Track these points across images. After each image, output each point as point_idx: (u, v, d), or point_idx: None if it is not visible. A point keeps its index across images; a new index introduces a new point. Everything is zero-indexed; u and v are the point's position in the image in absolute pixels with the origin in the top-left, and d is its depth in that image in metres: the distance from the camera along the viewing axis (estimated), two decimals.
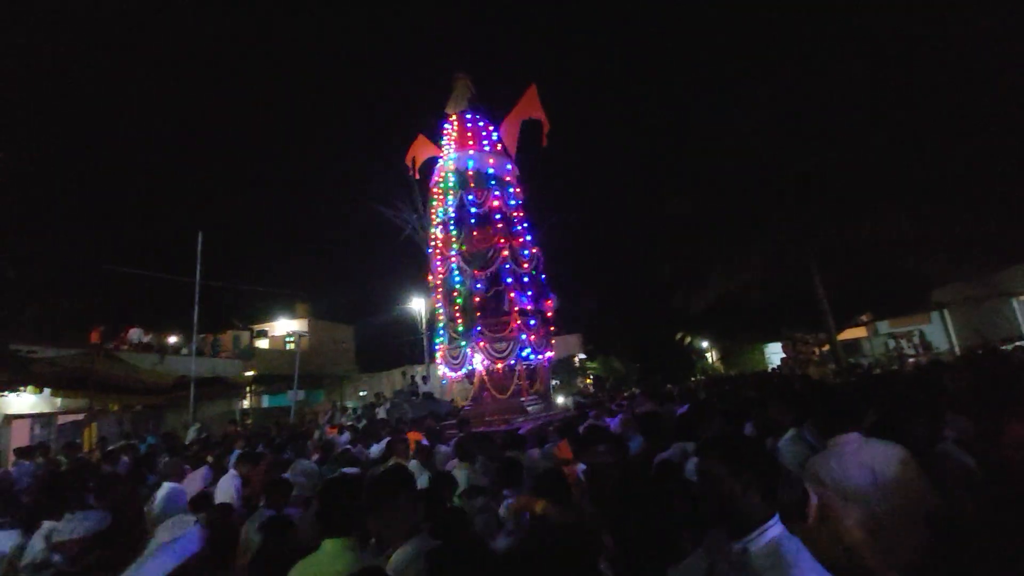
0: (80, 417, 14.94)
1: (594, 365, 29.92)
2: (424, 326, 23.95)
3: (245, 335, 24.25)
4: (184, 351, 17.89)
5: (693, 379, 22.94)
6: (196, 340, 15.09)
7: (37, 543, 3.26)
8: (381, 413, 14.73)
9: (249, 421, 15.54)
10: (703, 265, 17.00)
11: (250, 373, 21.95)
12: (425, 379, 19.40)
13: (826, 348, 16.42)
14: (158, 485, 4.62)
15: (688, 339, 31.03)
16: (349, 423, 12.08)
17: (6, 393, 13.36)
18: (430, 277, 11.18)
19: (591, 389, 22.98)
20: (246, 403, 22.04)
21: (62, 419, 15.42)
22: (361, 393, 24.52)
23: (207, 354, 19.84)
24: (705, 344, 32.44)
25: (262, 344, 25.30)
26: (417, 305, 24.31)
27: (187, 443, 10.22)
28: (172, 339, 20.16)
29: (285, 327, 26.60)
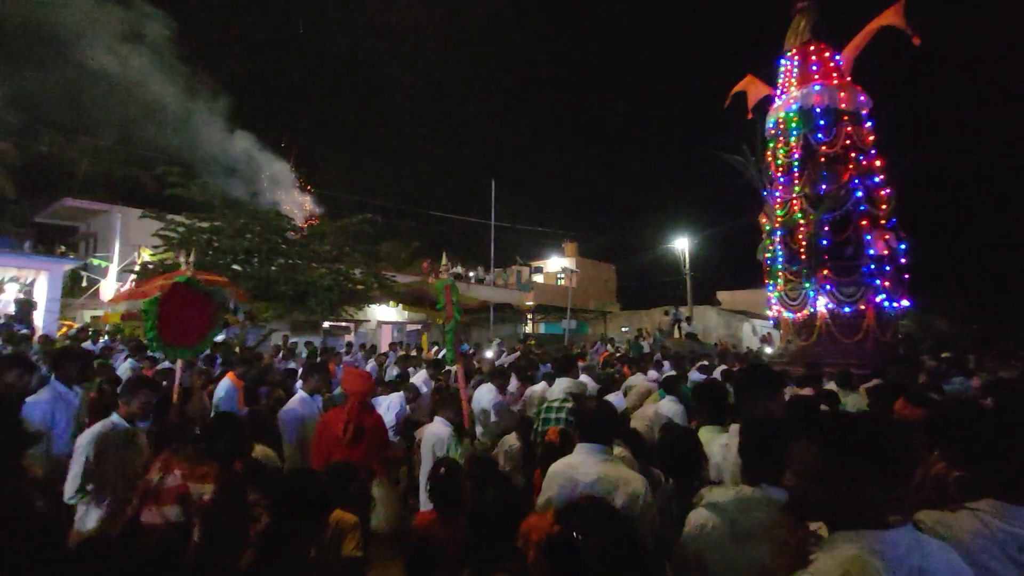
0: (419, 326, 20.09)
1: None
2: (687, 267, 23.44)
3: (525, 270, 27.93)
4: (483, 281, 21.75)
5: None
6: (493, 272, 18.15)
7: None
8: (645, 347, 15.48)
9: (532, 342, 18.24)
10: None
11: (529, 303, 25.43)
12: (688, 320, 19.26)
13: None
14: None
15: None
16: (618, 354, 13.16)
17: (380, 305, 18.73)
18: (764, 218, 11.01)
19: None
20: (527, 328, 25.74)
21: (409, 327, 20.90)
22: (623, 328, 25.82)
23: (499, 285, 23.72)
24: None
25: (537, 279, 28.80)
26: (680, 245, 23.82)
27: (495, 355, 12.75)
28: (471, 273, 24.89)
29: (557, 264, 29.52)
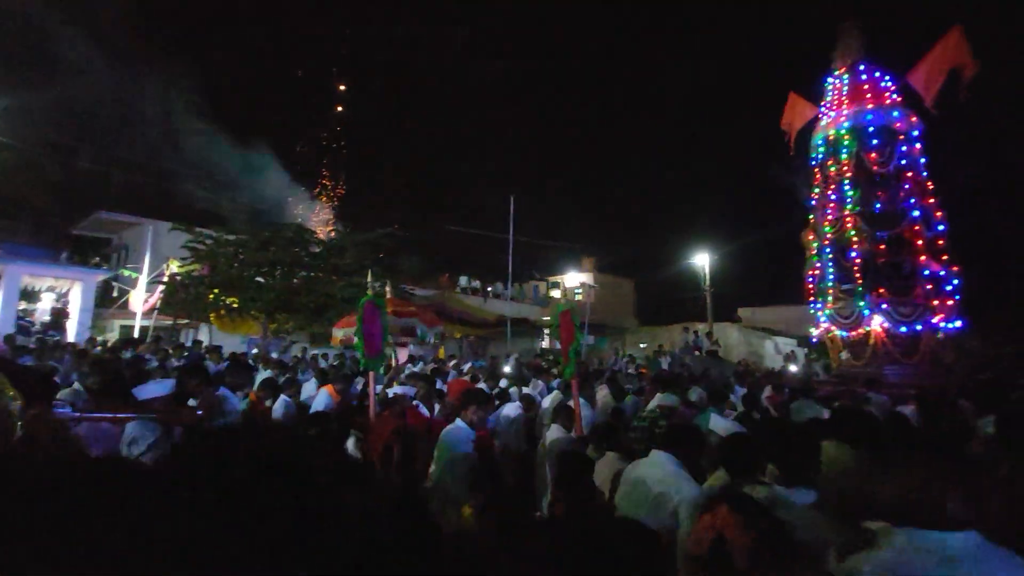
0: (436, 339, 20.19)
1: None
2: (707, 283, 23.17)
3: (543, 285, 27.93)
4: (501, 296, 21.80)
5: None
6: (511, 287, 18.20)
7: None
8: (663, 364, 15.29)
9: (551, 357, 18.14)
10: None
11: (546, 318, 25.35)
12: (709, 336, 18.99)
13: None
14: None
15: None
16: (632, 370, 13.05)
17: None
18: (811, 235, 11.04)
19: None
20: (544, 344, 25.65)
21: (401, 338, 20.99)
22: (641, 345, 25.53)
23: (516, 300, 23.74)
24: None
25: (555, 294, 28.75)
26: (700, 261, 23.59)
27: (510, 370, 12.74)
28: (488, 288, 24.98)
29: (574, 279, 29.46)
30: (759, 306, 26.08)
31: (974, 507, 1.21)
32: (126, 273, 17.21)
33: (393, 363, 9.69)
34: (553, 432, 4.15)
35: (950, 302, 9.51)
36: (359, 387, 6.80)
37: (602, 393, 6.32)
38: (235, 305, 14.02)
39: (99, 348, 10.41)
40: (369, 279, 4.81)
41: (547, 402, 5.88)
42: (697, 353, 17.48)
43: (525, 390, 7.16)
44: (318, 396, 5.75)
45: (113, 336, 15.08)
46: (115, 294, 16.99)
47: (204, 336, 15.32)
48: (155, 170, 20.71)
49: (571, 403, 4.40)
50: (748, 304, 26.69)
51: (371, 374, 4.66)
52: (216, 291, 14.00)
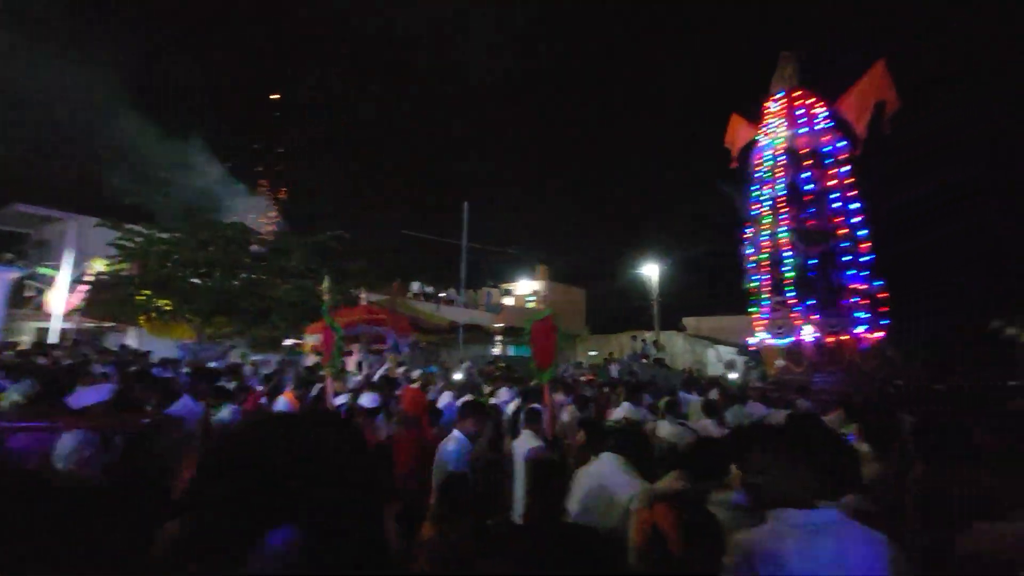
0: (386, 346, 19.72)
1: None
2: (656, 292, 23.86)
3: (495, 292, 27.91)
4: (453, 302, 21.59)
5: (1012, 383, 17.36)
6: (464, 294, 18.06)
7: None
8: (613, 372, 15.57)
9: (502, 364, 18.11)
10: None
11: (499, 325, 25.33)
12: (656, 344, 19.53)
13: None
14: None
15: (1009, 329, 23.51)
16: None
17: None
18: (750, 250, 11.59)
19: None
20: (496, 350, 25.60)
21: (373, 346, 20.48)
22: (591, 352, 25.94)
23: (468, 306, 23.58)
24: None
25: (508, 301, 28.80)
26: (649, 272, 24.28)
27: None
28: (441, 294, 24.71)
29: (527, 286, 29.63)
30: (703, 315, 27.12)
31: (829, 489, 1.57)
32: (43, 272, 15.83)
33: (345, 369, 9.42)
34: (525, 439, 4.11)
35: (871, 314, 10.21)
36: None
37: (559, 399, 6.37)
38: (167, 308, 13.17)
39: (11, 352, 9.50)
40: (325, 285, 4.68)
41: (511, 408, 5.87)
42: (645, 361, 17.92)
43: (493, 400, 7.05)
44: (277, 402, 5.68)
45: (27, 339, 13.82)
46: (29, 294, 15.59)
47: (132, 340, 14.30)
48: (79, 161, 19.23)
49: (538, 407, 4.41)
50: (693, 313, 27.70)
51: (329, 380, 4.65)
52: (147, 292, 13.10)
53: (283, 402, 5.58)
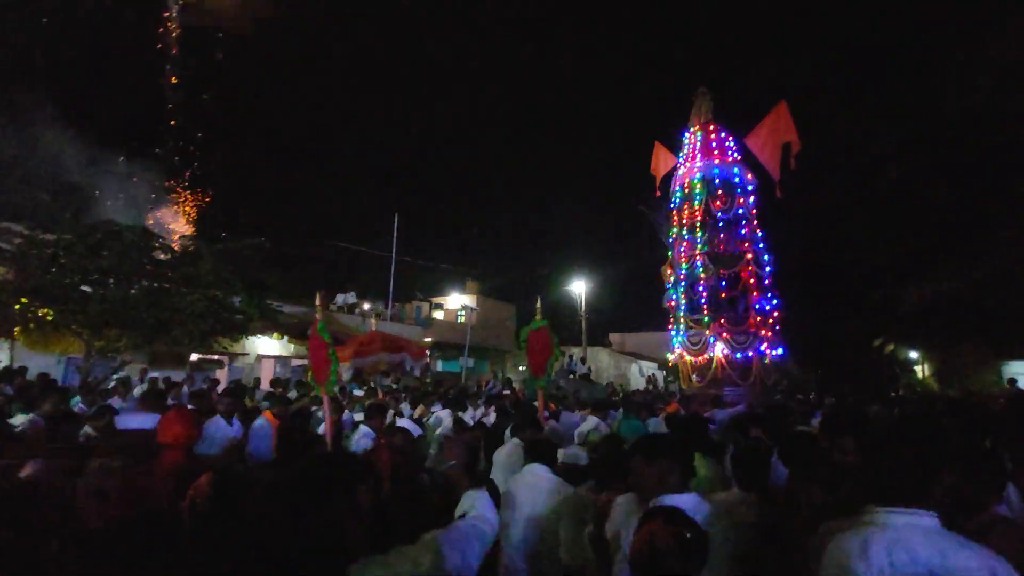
0: (306, 361, 18.69)
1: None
2: (583, 309, 24.47)
3: (425, 305, 27.42)
4: (380, 316, 20.92)
5: (895, 394, 19.34)
6: (392, 307, 17.56)
7: None
8: None
9: (428, 379, 17.72)
10: (926, 252, 14.38)
11: (428, 339, 24.86)
12: (583, 360, 19.94)
13: None
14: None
15: (891, 347, 26.32)
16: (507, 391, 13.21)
17: (261, 336, 17.22)
18: (669, 269, 12.30)
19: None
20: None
21: (295, 362, 19.38)
22: (520, 368, 26.04)
23: (397, 320, 22.96)
24: (915, 355, 27.04)
25: (438, 315, 28.37)
26: (577, 288, 24.89)
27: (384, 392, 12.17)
28: (366, 305, 23.92)
29: (457, 301, 29.38)
30: (628, 332, 28.14)
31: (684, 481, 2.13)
32: None
33: None
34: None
35: (772, 333, 11.12)
36: None
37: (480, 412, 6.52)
38: (49, 318, 11.72)
39: None
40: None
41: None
42: (571, 376, 18.24)
43: (460, 413, 7.42)
44: (256, 422, 5.35)
45: None
46: None
47: (3, 355, 12.60)
48: None
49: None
50: (618, 330, 28.68)
51: (326, 399, 4.50)
52: (24, 300, 11.59)
53: (261, 421, 5.23)
